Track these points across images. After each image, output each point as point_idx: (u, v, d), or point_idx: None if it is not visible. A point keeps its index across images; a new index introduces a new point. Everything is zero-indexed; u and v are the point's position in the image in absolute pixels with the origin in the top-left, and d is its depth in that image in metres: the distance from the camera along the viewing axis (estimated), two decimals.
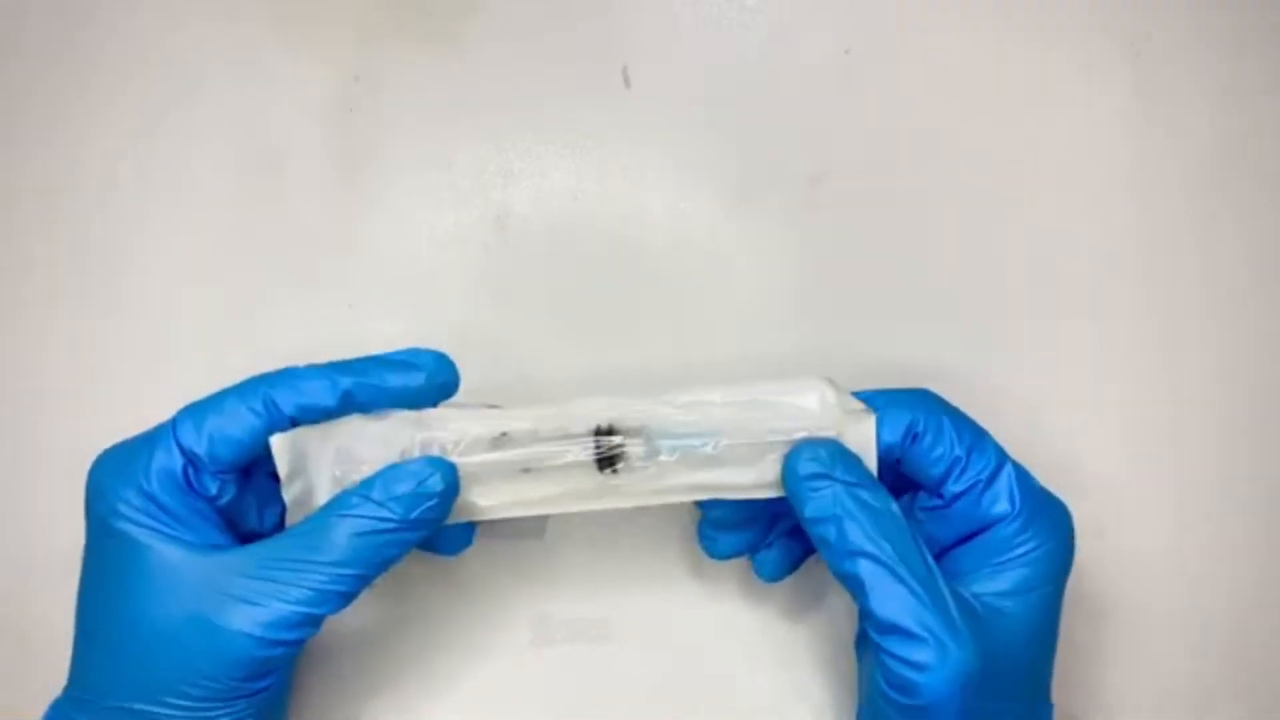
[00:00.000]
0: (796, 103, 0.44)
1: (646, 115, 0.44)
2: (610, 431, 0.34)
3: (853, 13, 0.44)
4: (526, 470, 0.34)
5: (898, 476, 0.35)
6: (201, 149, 0.44)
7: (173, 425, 0.33)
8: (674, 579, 0.41)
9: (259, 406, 0.33)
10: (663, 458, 0.34)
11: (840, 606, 0.41)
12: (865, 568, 0.31)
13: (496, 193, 0.44)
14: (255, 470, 0.35)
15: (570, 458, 0.34)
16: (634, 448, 0.34)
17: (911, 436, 0.34)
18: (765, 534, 0.37)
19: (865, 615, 0.32)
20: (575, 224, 0.43)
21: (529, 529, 0.41)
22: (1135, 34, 0.44)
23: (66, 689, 0.34)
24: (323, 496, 0.34)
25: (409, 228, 0.43)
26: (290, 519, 0.34)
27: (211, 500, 0.33)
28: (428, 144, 0.44)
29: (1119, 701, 0.41)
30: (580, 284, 0.43)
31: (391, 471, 0.33)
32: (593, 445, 0.34)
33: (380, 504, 0.32)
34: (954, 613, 0.31)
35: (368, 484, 0.33)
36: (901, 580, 0.31)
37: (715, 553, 0.37)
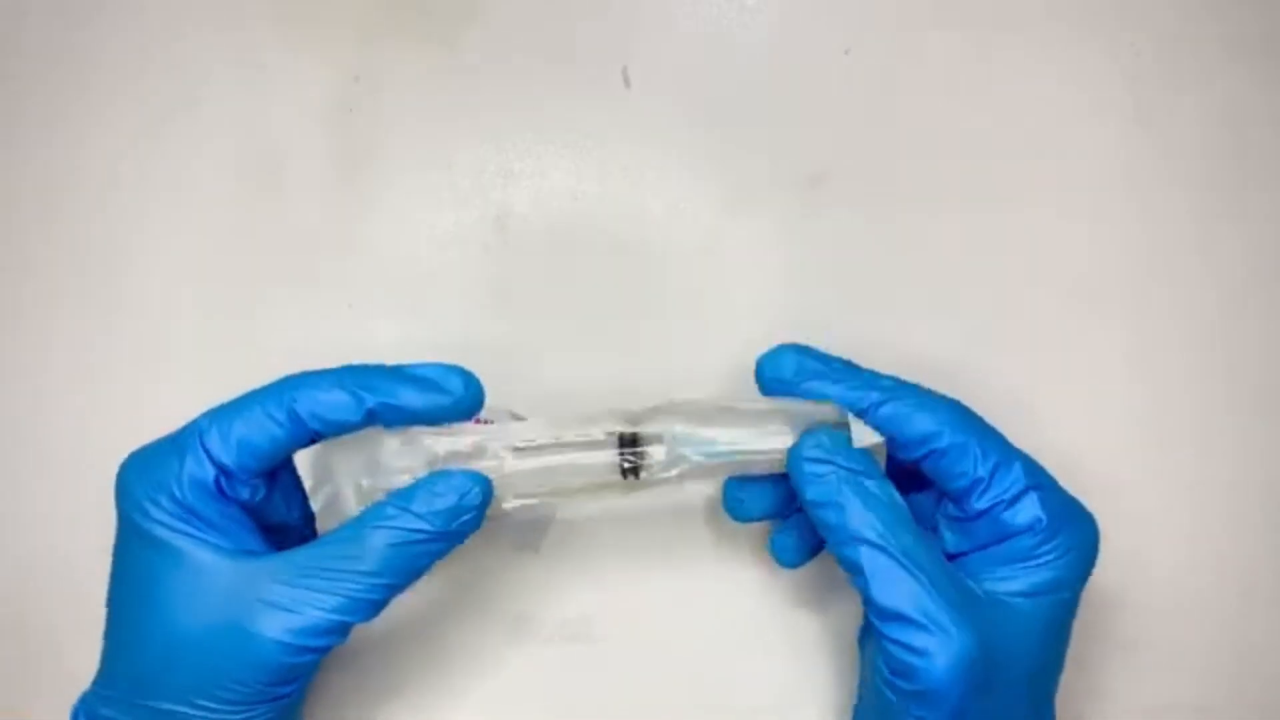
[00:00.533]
0: (796, 103, 0.44)
1: (646, 115, 0.44)
2: (634, 440, 0.34)
3: (853, 13, 0.44)
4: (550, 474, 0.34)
5: (922, 477, 0.35)
6: (202, 149, 0.44)
7: (200, 434, 0.33)
8: (686, 579, 0.41)
9: (283, 418, 0.33)
10: (685, 466, 0.34)
11: (843, 605, 0.41)
12: (866, 554, 0.32)
13: (496, 193, 0.44)
14: (285, 472, 0.36)
15: (595, 471, 0.34)
16: (656, 454, 0.34)
17: (931, 452, 0.33)
18: (791, 500, 0.37)
19: (867, 602, 0.32)
20: (575, 224, 0.43)
21: (527, 541, 0.41)
22: (1134, 34, 0.44)
23: (95, 684, 0.34)
24: (350, 503, 0.34)
25: (409, 228, 0.43)
26: (320, 526, 0.35)
27: (244, 504, 0.34)
28: (428, 144, 0.44)
29: (1122, 701, 0.41)
30: (580, 284, 0.43)
31: (432, 483, 0.33)
32: (616, 454, 0.34)
33: (419, 515, 0.32)
34: (956, 600, 0.31)
35: (406, 495, 0.33)
36: (903, 567, 0.31)
37: (740, 515, 0.37)
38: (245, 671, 0.32)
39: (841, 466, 0.33)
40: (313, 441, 0.34)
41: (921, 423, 0.33)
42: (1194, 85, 0.44)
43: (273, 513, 0.35)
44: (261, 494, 0.34)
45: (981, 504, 0.33)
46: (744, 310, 0.43)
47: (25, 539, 0.41)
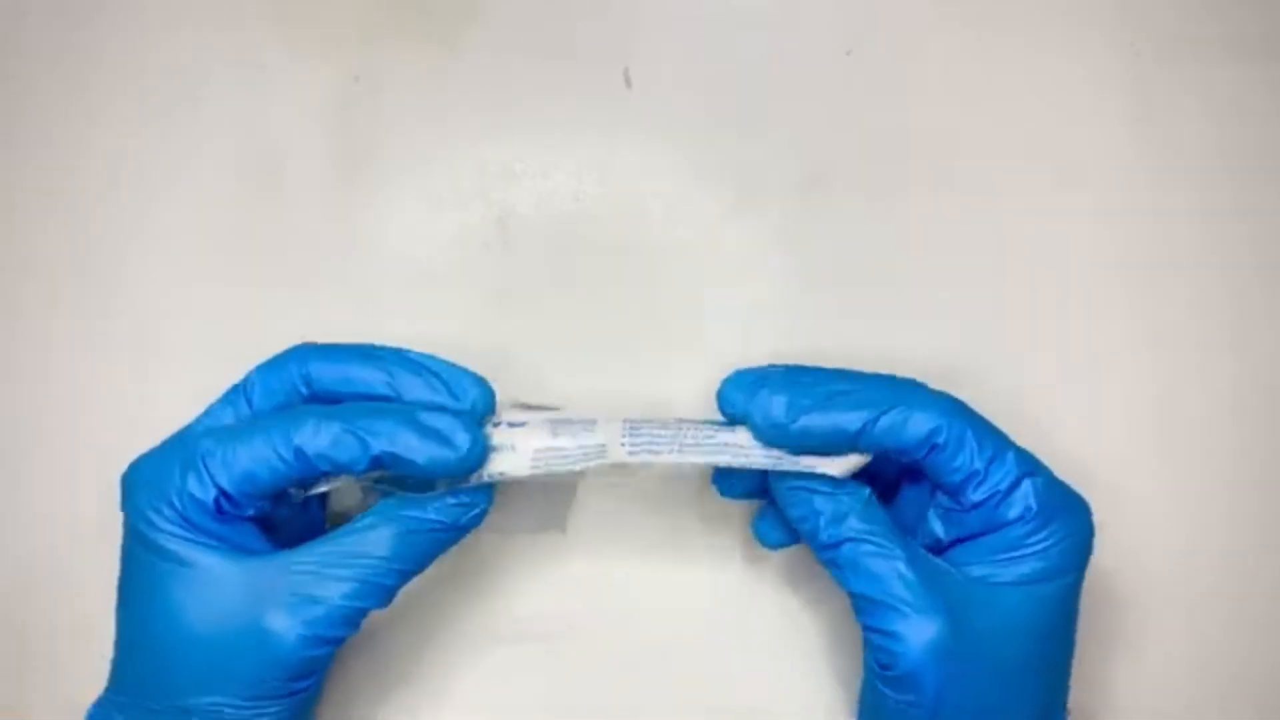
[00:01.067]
0: (796, 103, 0.44)
1: (647, 115, 0.44)
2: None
3: (853, 13, 0.44)
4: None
5: (912, 472, 0.36)
6: (202, 149, 0.44)
7: (202, 455, 0.33)
8: (685, 578, 0.41)
9: (289, 456, 0.33)
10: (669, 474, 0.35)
11: (841, 604, 0.41)
12: (845, 552, 0.33)
13: (497, 193, 0.44)
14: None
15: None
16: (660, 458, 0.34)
17: (931, 446, 0.33)
18: None
19: (848, 594, 0.34)
20: (576, 224, 0.43)
21: (551, 522, 0.41)
22: (1135, 34, 0.44)
23: (107, 691, 0.34)
24: (355, 495, 0.35)
25: (409, 228, 0.43)
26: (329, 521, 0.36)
27: (247, 518, 0.34)
28: (428, 144, 0.44)
29: (1124, 702, 0.41)
30: (581, 284, 0.43)
31: (439, 493, 0.34)
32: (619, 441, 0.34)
33: (426, 512, 0.33)
34: (929, 585, 0.32)
35: (411, 495, 0.34)
36: (877, 557, 0.33)
37: (727, 491, 0.38)
38: (263, 668, 0.32)
39: (819, 492, 0.34)
40: (320, 476, 0.34)
41: (917, 426, 0.33)
42: (1194, 85, 0.44)
43: (282, 520, 0.36)
44: (266, 508, 0.34)
45: (978, 496, 0.34)
46: (744, 310, 0.43)
47: (25, 539, 0.41)
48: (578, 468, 0.34)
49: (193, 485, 0.33)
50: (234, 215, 0.43)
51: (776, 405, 0.33)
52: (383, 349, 0.35)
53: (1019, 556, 0.33)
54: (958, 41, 0.44)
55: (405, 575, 0.33)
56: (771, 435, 0.34)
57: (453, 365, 0.35)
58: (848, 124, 0.44)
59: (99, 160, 0.44)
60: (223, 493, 0.33)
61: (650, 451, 0.34)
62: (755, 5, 0.45)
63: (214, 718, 0.32)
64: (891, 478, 0.37)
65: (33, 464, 0.42)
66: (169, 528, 0.33)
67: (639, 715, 0.40)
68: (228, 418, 0.35)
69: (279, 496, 0.35)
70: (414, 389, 0.34)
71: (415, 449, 0.32)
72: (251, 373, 0.35)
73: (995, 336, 0.42)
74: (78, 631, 0.40)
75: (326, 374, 0.34)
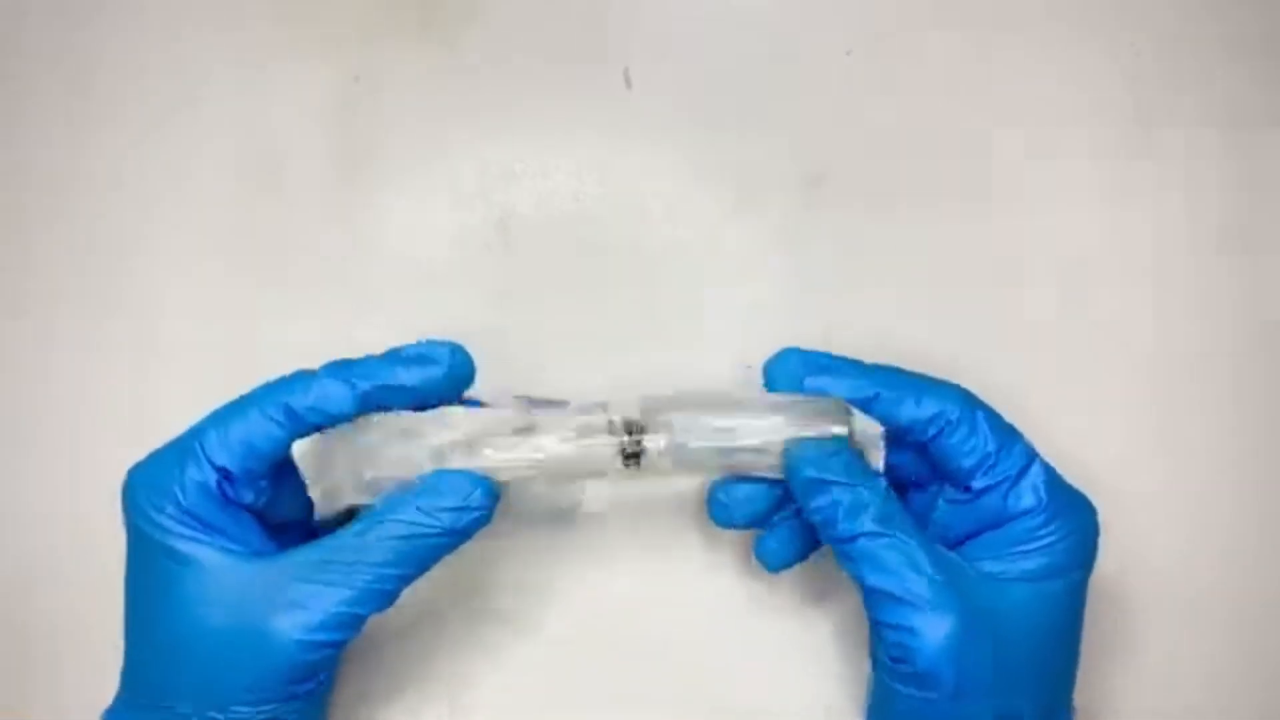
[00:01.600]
0: (796, 103, 0.44)
1: (647, 115, 0.44)
2: (638, 428, 0.34)
3: (853, 13, 0.44)
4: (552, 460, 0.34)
5: (925, 468, 0.36)
6: (202, 149, 0.44)
7: (199, 441, 0.33)
8: (684, 579, 0.41)
9: (280, 417, 0.33)
10: (685, 454, 0.34)
11: (843, 605, 0.41)
12: (861, 545, 0.33)
13: (498, 194, 0.44)
14: (287, 466, 0.35)
15: (596, 458, 0.34)
16: (657, 442, 0.34)
17: (944, 424, 0.34)
18: (777, 507, 0.37)
19: (861, 589, 0.33)
20: (577, 224, 0.43)
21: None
22: (1134, 34, 0.44)
23: (119, 695, 0.34)
24: (349, 495, 0.34)
25: (410, 228, 0.43)
26: (319, 516, 0.35)
27: (249, 506, 0.34)
28: (428, 144, 0.44)
29: (1126, 703, 0.41)
30: (582, 284, 0.43)
31: (435, 482, 0.33)
32: (618, 444, 0.34)
33: (426, 513, 0.33)
34: (946, 580, 0.32)
35: (412, 493, 0.33)
36: (893, 551, 0.32)
37: (725, 522, 0.37)
38: (264, 670, 0.32)
39: (837, 483, 0.33)
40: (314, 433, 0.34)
41: (928, 404, 0.34)
42: (1194, 85, 0.44)
43: (277, 514, 0.36)
44: (265, 497, 0.34)
45: (988, 480, 0.34)
46: (744, 310, 0.43)
47: (25, 539, 0.41)
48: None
49: (192, 472, 0.33)
50: (234, 215, 0.43)
51: (791, 361, 0.35)
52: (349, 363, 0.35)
53: (1027, 551, 0.33)
54: (957, 41, 0.44)
55: (405, 580, 0.33)
56: (780, 385, 0.35)
57: (416, 343, 0.35)
58: (848, 124, 0.44)
59: (99, 160, 0.44)
60: (223, 474, 0.33)
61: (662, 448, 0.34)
62: (755, 5, 0.45)
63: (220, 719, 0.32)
64: (901, 479, 0.37)
65: (33, 464, 0.42)
66: (170, 524, 0.33)
67: (641, 714, 0.40)
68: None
69: (280, 485, 0.35)
70: (397, 376, 0.34)
71: (402, 375, 0.33)
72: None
73: (995, 336, 0.42)
74: (78, 631, 0.40)
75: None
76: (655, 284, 0.43)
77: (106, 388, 0.42)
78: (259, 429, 0.33)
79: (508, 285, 0.43)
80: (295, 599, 0.32)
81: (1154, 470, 0.42)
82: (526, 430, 0.34)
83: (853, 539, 0.33)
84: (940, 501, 0.36)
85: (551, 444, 0.34)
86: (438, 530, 0.33)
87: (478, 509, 0.33)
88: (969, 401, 0.35)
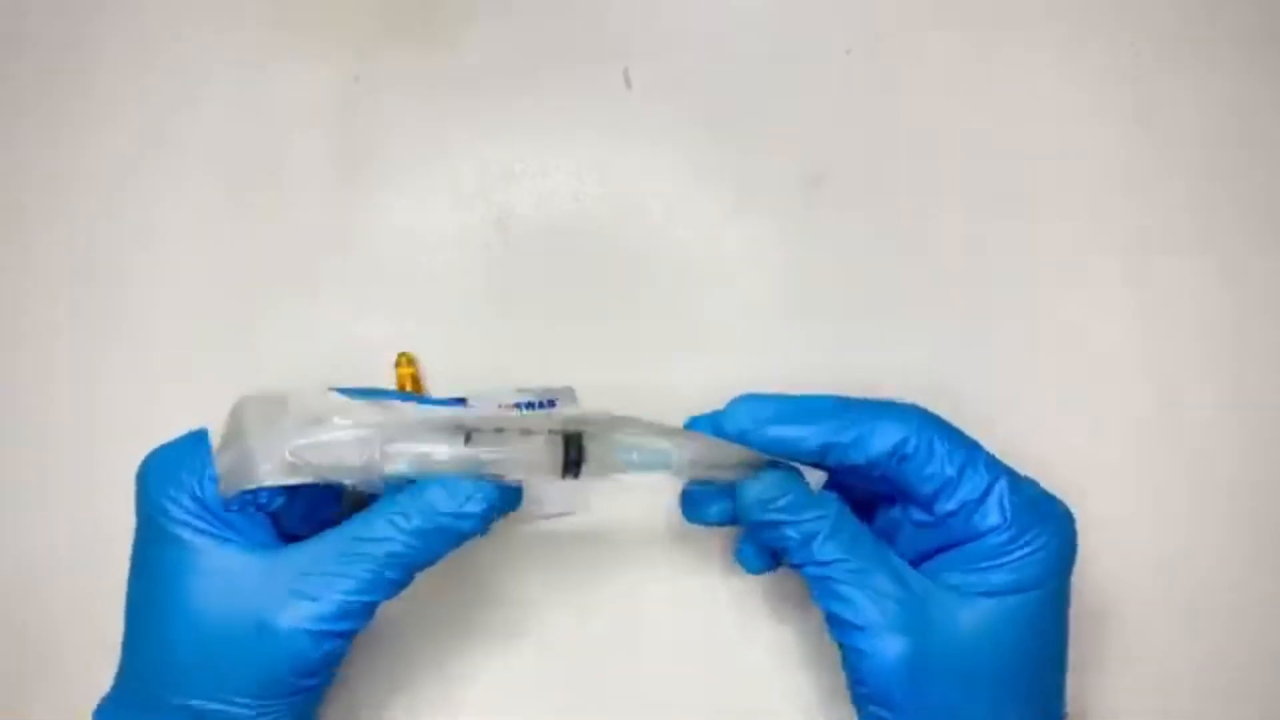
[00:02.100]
0: (796, 103, 0.44)
1: (647, 116, 0.44)
2: (579, 439, 0.33)
3: (853, 13, 0.44)
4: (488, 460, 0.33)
5: (891, 487, 0.35)
6: (203, 150, 0.44)
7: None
8: (681, 580, 0.41)
9: None
10: (624, 473, 0.34)
11: None
12: (810, 571, 0.33)
13: (498, 194, 0.44)
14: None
15: (536, 466, 0.33)
16: (596, 454, 0.33)
17: (900, 457, 0.33)
18: None
19: (822, 611, 0.34)
20: (576, 224, 0.43)
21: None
22: (1135, 34, 0.44)
23: (116, 687, 0.34)
24: (262, 472, 0.32)
25: (409, 228, 0.43)
26: (224, 487, 0.33)
27: (263, 507, 0.34)
28: (428, 144, 0.44)
29: (1123, 704, 0.41)
30: (581, 284, 0.43)
31: (455, 485, 0.33)
32: (561, 454, 0.33)
33: (435, 511, 0.33)
34: (899, 601, 0.32)
35: (417, 488, 0.33)
36: (844, 580, 0.33)
37: (697, 519, 0.37)
38: (270, 663, 0.32)
39: (781, 509, 0.33)
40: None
41: (885, 435, 0.33)
42: (1194, 85, 0.44)
43: (294, 521, 0.35)
44: (280, 502, 0.34)
45: (951, 505, 0.33)
46: (744, 310, 0.43)
47: (25, 539, 0.41)
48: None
49: (213, 472, 0.33)
50: (234, 215, 0.43)
51: (742, 412, 0.34)
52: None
53: (996, 567, 0.33)
54: (957, 41, 0.44)
55: (413, 569, 0.33)
56: (740, 439, 0.34)
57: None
58: (848, 124, 0.44)
59: (99, 160, 0.44)
60: None
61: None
62: (755, 5, 0.45)
63: (218, 713, 0.32)
64: (872, 494, 0.37)
65: (33, 464, 0.42)
66: (185, 517, 0.33)
67: (641, 716, 0.40)
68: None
69: (295, 494, 0.34)
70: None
71: (441, 508, 0.33)
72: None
73: (995, 336, 0.42)
74: (78, 631, 0.40)
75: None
76: (655, 284, 0.43)
77: (107, 387, 0.42)
78: None
79: (508, 285, 0.43)
80: (302, 588, 0.32)
81: (1153, 474, 0.42)
82: (461, 433, 0.33)
83: (802, 566, 0.33)
84: (907, 520, 0.35)
85: (475, 451, 0.33)
86: (448, 518, 0.33)
87: (478, 508, 0.33)
88: (925, 427, 0.34)
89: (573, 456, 0.33)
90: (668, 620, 0.41)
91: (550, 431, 0.33)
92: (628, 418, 0.33)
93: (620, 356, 0.42)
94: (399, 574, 0.33)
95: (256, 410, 0.33)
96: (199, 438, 0.34)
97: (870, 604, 0.32)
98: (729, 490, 0.35)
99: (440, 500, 0.33)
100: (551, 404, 0.40)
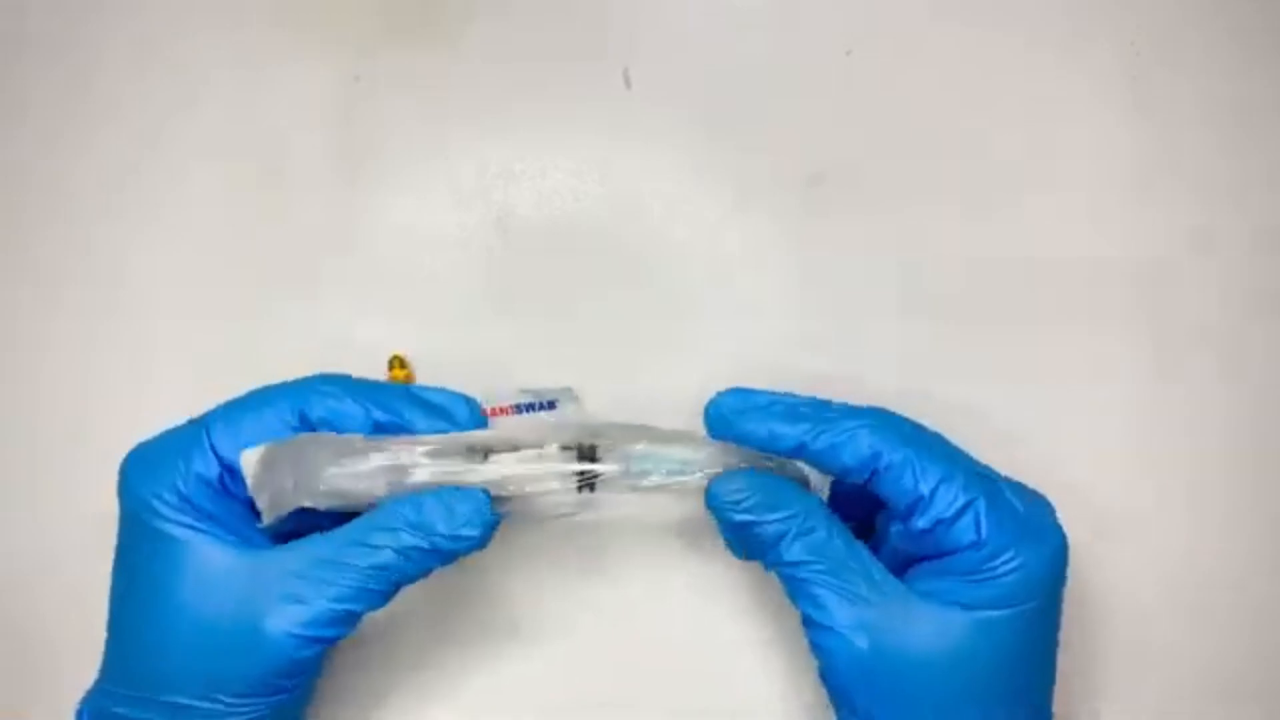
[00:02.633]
0: (796, 103, 0.44)
1: (647, 115, 0.44)
2: (593, 451, 0.34)
3: (853, 13, 0.44)
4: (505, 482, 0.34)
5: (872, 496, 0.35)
6: (203, 150, 0.44)
7: (207, 431, 0.33)
8: (677, 580, 0.41)
9: (294, 421, 0.33)
10: (641, 483, 0.34)
11: None
12: (781, 571, 0.34)
13: (498, 193, 0.44)
14: None
15: (550, 484, 0.34)
16: (612, 470, 0.34)
17: (872, 470, 0.33)
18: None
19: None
20: (576, 225, 0.43)
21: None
22: (1134, 33, 0.44)
23: (98, 682, 0.34)
24: (295, 500, 0.33)
25: (409, 228, 0.43)
26: (266, 523, 0.34)
27: (248, 502, 0.34)
28: (428, 144, 0.44)
29: (1121, 704, 0.41)
30: (581, 284, 0.43)
31: (450, 499, 0.33)
32: (575, 475, 0.34)
33: (419, 526, 0.32)
34: (853, 603, 0.32)
35: (415, 501, 0.33)
36: (810, 579, 0.33)
37: (741, 554, 0.37)
38: (253, 663, 0.32)
39: (749, 509, 0.33)
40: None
41: (859, 446, 0.33)
42: (1194, 84, 0.44)
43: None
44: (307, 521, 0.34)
45: (923, 523, 0.33)
46: (744, 310, 0.43)
47: (25, 539, 0.41)
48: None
49: (198, 464, 0.33)
50: (234, 215, 0.43)
51: (725, 404, 0.34)
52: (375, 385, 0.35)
53: (971, 582, 0.32)
54: (957, 41, 0.44)
55: (403, 584, 0.33)
56: (717, 429, 0.34)
57: (440, 390, 0.35)
58: (848, 124, 0.44)
59: (99, 160, 0.44)
60: (227, 469, 0.33)
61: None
62: (755, 5, 0.45)
63: (199, 710, 0.32)
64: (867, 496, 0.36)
65: (33, 464, 0.42)
66: (170, 513, 0.32)
67: (635, 715, 0.40)
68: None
69: None
70: (412, 419, 0.34)
71: (417, 420, 0.33)
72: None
73: (995, 336, 0.42)
74: (77, 632, 0.40)
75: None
76: (655, 284, 0.43)
77: (106, 387, 0.42)
78: (270, 430, 0.33)
79: (508, 285, 0.43)
80: (291, 593, 0.32)
81: (1153, 474, 0.42)
82: (478, 453, 0.33)
83: (774, 565, 0.34)
84: (890, 527, 0.35)
85: (497, 470, 0.33)
86: (438, 536, 0.32)
87: (474, 533, 0.33)
88: (902, 443, 0.33)
89: (588, 476, 0.34)
90: (667, 620, 0.41)
91: (563, 447, 0.34)
92: (643, 427, 0.34)
93: (620, 356, 0.42)
94: (388, 586, 0.33)
95: (289, 448, 0.33)
96: (182, 433, 0.34)
97: (837, 605, 0.32)
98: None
99: (439, 520, 0.32)
100: (551, 405, 0.40)
